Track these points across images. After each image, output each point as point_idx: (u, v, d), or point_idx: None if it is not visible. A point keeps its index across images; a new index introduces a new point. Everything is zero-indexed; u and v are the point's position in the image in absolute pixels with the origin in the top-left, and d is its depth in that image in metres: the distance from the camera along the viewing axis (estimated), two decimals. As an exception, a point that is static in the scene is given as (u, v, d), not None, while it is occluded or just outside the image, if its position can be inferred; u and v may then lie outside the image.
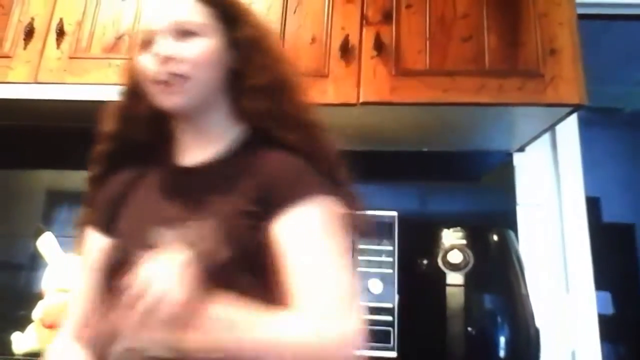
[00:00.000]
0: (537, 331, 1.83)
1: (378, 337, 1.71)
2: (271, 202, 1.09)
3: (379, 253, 1.79)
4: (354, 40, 1.93)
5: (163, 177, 1.22)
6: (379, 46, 1.91)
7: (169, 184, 1.20)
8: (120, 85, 1.29)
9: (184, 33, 1.16)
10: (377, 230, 1.81)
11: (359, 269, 1.77)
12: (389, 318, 1.73)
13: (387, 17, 1.95)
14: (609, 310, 4.36)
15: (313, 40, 1.96)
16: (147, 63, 1.16)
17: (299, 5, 2.01)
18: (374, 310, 1.74)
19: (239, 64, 1.20)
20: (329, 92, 1.89)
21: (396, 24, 1.95)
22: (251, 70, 1.20)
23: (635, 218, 4.83)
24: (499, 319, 1.79)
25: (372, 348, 1.70)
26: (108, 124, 1.26)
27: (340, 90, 1.88)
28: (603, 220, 4.60)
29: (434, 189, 2.32)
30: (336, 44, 1.93)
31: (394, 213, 1.84)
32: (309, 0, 2.01)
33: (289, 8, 2.00)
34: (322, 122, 1.24)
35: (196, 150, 1.21)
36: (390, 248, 1.79)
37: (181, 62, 1.14)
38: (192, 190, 1.16)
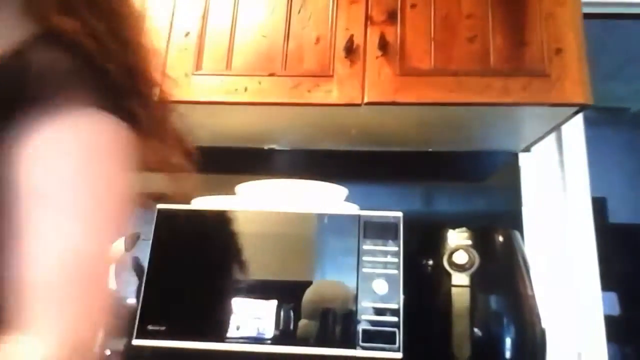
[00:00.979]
0: (542, 332, 1.82)
1: (383, 337, 1.71)
2: (12, 114, 0.76)
3: (384, 253, 1.78)
4: (358, 40, 1.92)
5: None
6: (383, 46, 1.90)
7: None
8: None
9: None
10: (383, 231, 1.81)
11: (365, 269, 1.77)
12: (395, 319, 1.72)
13: (391, 17, 1.95)
14: (615, 311, 4.35)
15: (317, 40, 1.95)
16: None
17: (303, 5, 2.00)
18: (379, 311, 1.73)
19: None
20: (334, 92, 1.88)
21: (401, 24, 1.94)
22: None
23: (642, 219, 4.82)
24: (504, 320, 1.79)
25: (378, 349, 1.70)
26: None
27: (345, 91, 1.88)
28: (609, 221, 4.59)
29: (439, 189, 2.32)
30: (340, 44, 1.92)
31: (399, 213, 1.83)
32: (313, 1, 2.00)
33: (293, 8, 2.00)
34: (142, 17, 0.97)
35: None
36: (396, 248, 1.79)
37: None
38: None
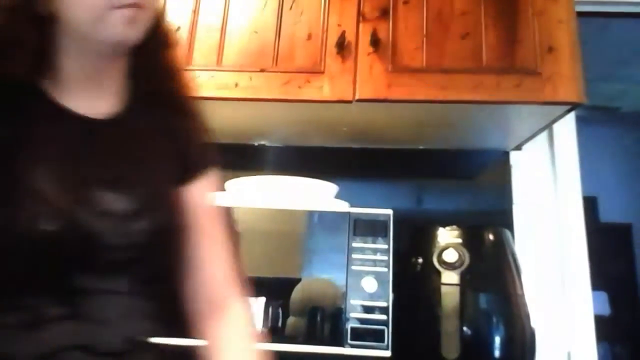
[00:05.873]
0: (532, 331, 1.82)
1: (372, 336, 1.70)
2: (185, 168, 1.14)
3: (373, 251, 1.77)
4: (350, 36, 1.91)
5: (70, 127, 1.03)
6: (375, 43, 1.89)
7: (83, 136, 1.03)
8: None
9: None
10: (372, 228, 1.80)
11: (354, 267, 1.76)
12: (384, 317, 1.71)
13: (383, 14, 1.94)
14: (606, 310, 4.36)
15: (309, 36, 1.94)
16: None
17: (295, 1, 1.99)
18: (368, 309, 1.72)
19: None
20: (325, 88, 1.87)
21: (393, 21, 1.93)
22: (155, 26, 1.09)
23: (633, 218, 4.83)
24: (494, 319, 1.78)
25: (366, 347, 1.69)
26: None
27: (336, 87, 1.87)
28: (600, 220, 4.61)
29: (429, 187, 2.31)
30: (332, 40, 1.91)
31: (389, 211, 1.82)
32: (305, -4, 2.00)
33: (284, 4, 1.99)
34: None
35: (87, 97, 1.05)
36: (385, 246, 1.78)
37: None
38: (115, 147, 1.06)
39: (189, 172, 1.15)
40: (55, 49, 1.02)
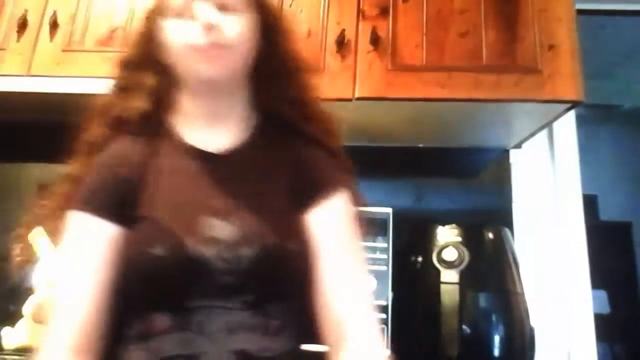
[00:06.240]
0: (532, 330, 1.82)
1: (371, 334, 1.69)
2: (305, 194, 1.15)
3: (373, 250, 1.77)
4: (350, 34, 1.91)
5: (189, 161, 1.16)
6: (375, 41, 1.89)
7: (200, 169, 1.15)
8: (123, 53, 1.27)
9: (224, 7, 1.13)
10: (372, 227, 1.80)
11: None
12: (383, 316, 1.71)
13: (383, 12, 1.93)
14: (605, 309, 4.34)
15: (309, 34, 1.94)
16: (187, 30, 1.11)
17: (294, -2, 1.99)
18: (367, 308, 1.72)
19: (266, 47, 1.20)
20: (324, 86, 1.86)
21: (393, 19, 1.93)
22: (276, 56, 1.22)
23: (633, 216, 4.81)
24: (493, 318, 1.78)
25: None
26: (108, 93, 1.25)
27: (336, 85, 1.86)
28: (600, 219, 4.59)
29: (429, 185, 2.31)
30: (332, 38, 1.91)
31: (389, 209, 1.82)
32: (305, -6, 1.99)
33: (284, 1, 1.98)
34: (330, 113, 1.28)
35: (209, 131, 1.19)
36: (385, 245, 1.78)
37: (226, 32, 1.10)
38: (230, 178, 1.14)
39: (311, 197, 1.15)
40: (177, 91, 1.20)
